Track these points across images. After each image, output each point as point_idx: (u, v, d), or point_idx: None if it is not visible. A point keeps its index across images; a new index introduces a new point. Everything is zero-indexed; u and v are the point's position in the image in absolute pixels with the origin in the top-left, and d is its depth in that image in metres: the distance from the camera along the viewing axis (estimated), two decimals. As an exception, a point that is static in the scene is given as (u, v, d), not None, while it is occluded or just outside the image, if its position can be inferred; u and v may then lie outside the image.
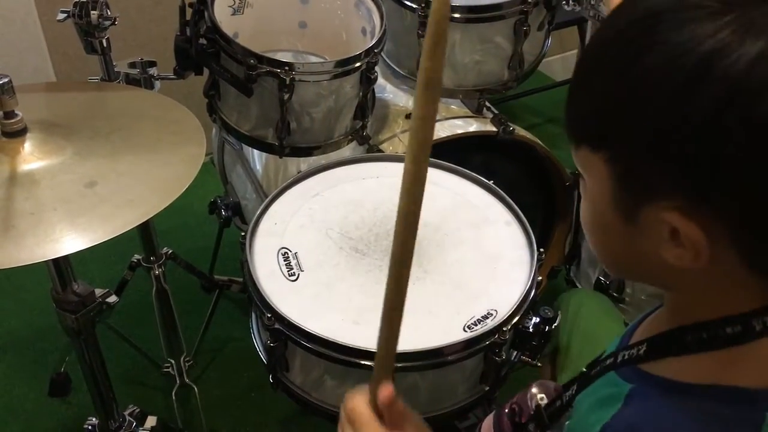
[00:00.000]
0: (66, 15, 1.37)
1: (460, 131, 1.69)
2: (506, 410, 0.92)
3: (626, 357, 0.69)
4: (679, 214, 0.55)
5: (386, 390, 0.71)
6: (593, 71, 0.59)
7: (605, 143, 0.59)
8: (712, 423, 0.60)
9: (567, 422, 0.87)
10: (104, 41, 1.41)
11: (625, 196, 0.59)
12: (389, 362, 0.73)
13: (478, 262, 1.25)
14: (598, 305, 1.40)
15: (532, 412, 0.87)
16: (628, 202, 0.59)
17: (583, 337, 1.28)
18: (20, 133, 1.09)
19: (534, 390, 0.90)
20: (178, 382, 1.78)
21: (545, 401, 0.88)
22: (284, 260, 1.23)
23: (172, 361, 1.82)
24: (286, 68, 1.41)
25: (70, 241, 0.99)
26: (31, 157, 1.08)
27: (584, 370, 0.76)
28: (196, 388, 1.77)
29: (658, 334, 0.67)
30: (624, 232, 0.61)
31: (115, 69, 1.49)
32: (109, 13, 1.38)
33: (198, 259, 1.99)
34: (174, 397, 1.75)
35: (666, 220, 0.56)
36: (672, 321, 0.67)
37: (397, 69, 1.76)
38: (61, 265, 1.16)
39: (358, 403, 0.75)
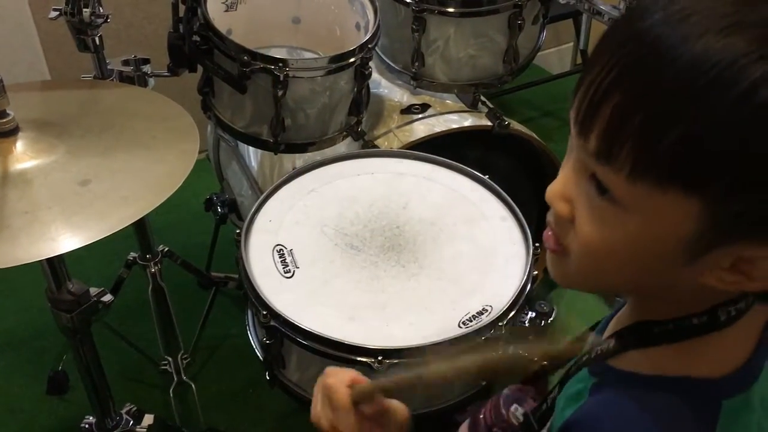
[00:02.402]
0: (58, 13, 1.36)
1: (455, 126, 1.69)
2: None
3: (599, 352, 0.68)
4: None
5: (381, 402, 0.75)
6: (694, 103, 0.51)
7: (710, 186, 0.52)
8: (668, 413, 0.61)
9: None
10: (97, 39, 1.40)
11: (708, 237, 0.54)
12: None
13: (474, 258, 1.25)
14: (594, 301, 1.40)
15: (519, 425, 0.86)
16: (707, 242, 0.55)
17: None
18: (12, 133, 1.08)
19: (507, 410, 0.90)
20: (175, 379, 1.78)
21: (520, 410, 0.89)
22: (279, 257, 1.23)
23: (170, 359, 1.82)
24: (280, 64, 1.40)
25: (65, 240, 0.99)
26: (23, 156, 1.08)
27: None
28: (193, 386, 1.77)
29: (625, 327, 0.67)
30: (671, 264, 0.57)
31: (109, 67, 1.48)
32: (101, 11, 1.37)
33: (194, 256, 1.98)
34: (171, 395, 1.75)
35: (747, 257, 0.55)
36: (638, 315, 0.67)
37: (392, 64, 1.76)
38: (56, 264, 1.16)
39: (338, 384, 0.77)
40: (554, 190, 0.62)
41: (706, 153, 0.51)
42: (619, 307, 0.76)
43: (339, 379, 0.81)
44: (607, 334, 0.73)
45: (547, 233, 0.65)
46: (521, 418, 0.85)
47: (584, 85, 0.56)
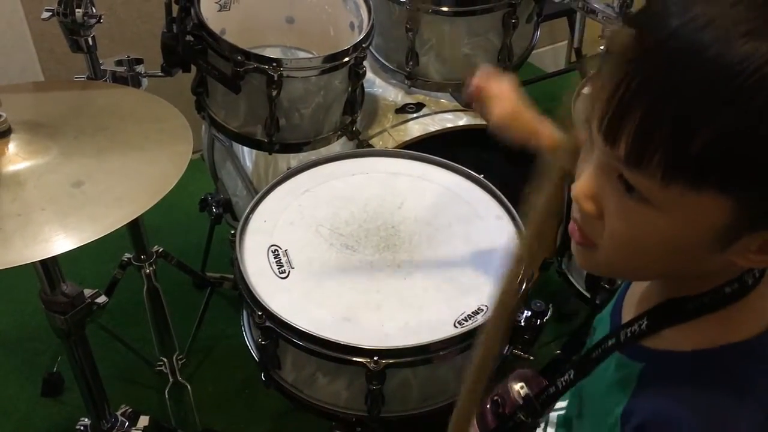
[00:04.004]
0: (51, 13, 1.36)
1: (450, 125, 1.69)
2: (488, 404, 0.92)
3: (628, 335, 0.69)
4: None
5: None
6: (725, 104, 0.52)
7: (743, 182, 0.54)
8: (731, 386, 0.62)
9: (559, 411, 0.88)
10: (90, 39, 1.40)
11: (738, 228, 0.56)
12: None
13: (469, 257, 1.25)
14: None
15: (518, 403, 0.86)
16: (737, 232, 0.57)
17: None
18: (4, 134, 1.07)
19: (514, 383, 0.91)
20: (171, 380, 1.78)
21: (525, 390, 0.89)
22: (274, 258, 1.23)
23: (165, 360, 1.81)
24: (274, 64, 1.40)
25: (59, 242, 0.98)
26: (16, 158, 1.07)
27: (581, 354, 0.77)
28: (189, 386, 1.77)
29: (657, 306, 0.68)
30: (701, 252, 0.59)
31: (102, 67, 1.48)
32: (94, 11, 1.37)
33: (189, 256, 1.98)
34: (167, 396, 1.75)
35: None
36: (668, 293, 0.67)
37: (386, 63, 1.76)
38: (49, 266, 1.15)
39: None
40: (581, 190, 0.63)
41: (739, 153, 0.52)
42: (624, 288, 0.76)
43: None
44: (628, 315, 0.73)
45: (573, 227, 0.66)
46: (521, 401, 0.86)
47: (606, 94, 0.56)
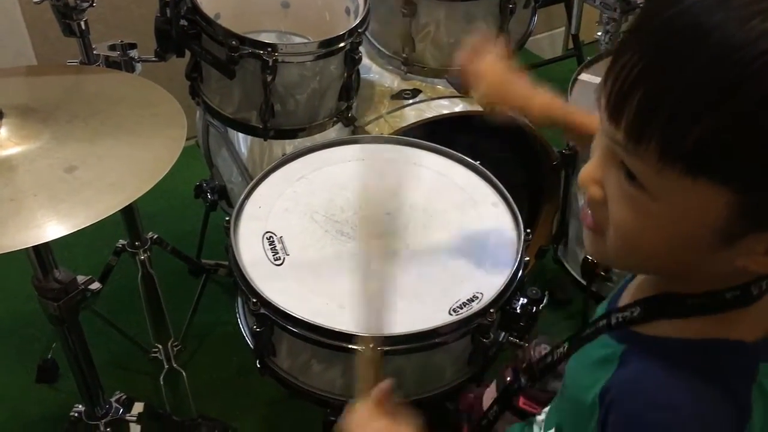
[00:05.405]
0: (43, -3, 1.34)
1: (445, 111, 1.68)
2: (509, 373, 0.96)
3: (620, 319, 0.69)
4: None
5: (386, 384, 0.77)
6: (727, 92, 0.50)
7: (742, 176, 0.52)
8: (709, 374, 0.61)
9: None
10: (82, 23, 1.39)
11: (740, 225, 0.55)
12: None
13: (465, 244, 1.24)
14: None
15: (524, 366, 0.89)
16: (740, 229, 0.55)
17: None
18: (-5, 119, 1.06)
19: (540, 345, 0.95)
20: (166, 367, 1.78)
21: (547, 349, 0.92)
22: (269, 244, 1.22)
23: (160, 346, 1.81)
24: (269, 49, 1.39)
25: (52, 227, 0.97)
26: (7, 142, 1.06)
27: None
28: (184, 373, 1.76)
29: (653, 297, 0.68)
30: (703, 248, 0.58)
31: (95, 52, 1.46)
32: (87, -5, 1.35)
33: (185, 243, 1.97)
34: (162, 382, 1.74)
35: None
36: (666, 286, 0.67)
37: (382, 49, 1.74)
38: (42, 252, 1.14)
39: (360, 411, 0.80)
40: (586, 174, 0.63)
41: (737, 143, 0.50)
42: (630, 278, 0.76)
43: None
44: (625, 301, 0.73)
45: (585, 211, 0.66)
46: (537, 356, 0.89)
47: (614, 72, 0.55)
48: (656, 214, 0.57)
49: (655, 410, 0.61)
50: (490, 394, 1.13)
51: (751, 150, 0.51)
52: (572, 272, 1.79)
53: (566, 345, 0.78)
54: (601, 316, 0.73)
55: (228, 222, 1.24)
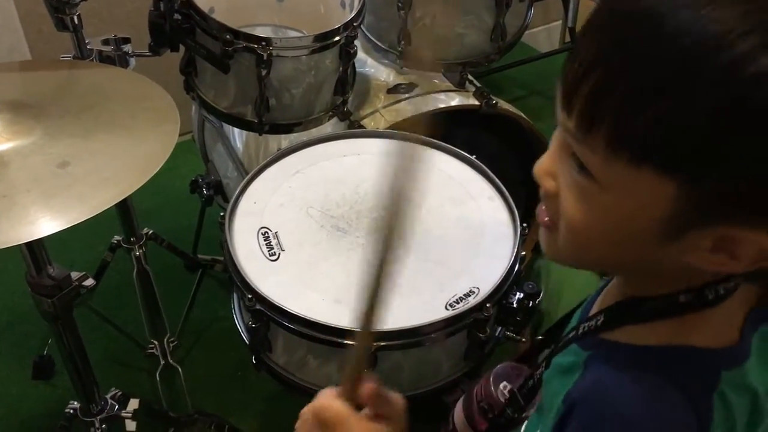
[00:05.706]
0: (36, -9, 1.33)
1: (442, 105, 1.67)
2: (476, 412, 0.92)
3: (586, 329, 0.69)
4: (754, 233, 0.53)
5: (369, 384, 0.71)
6: (675, 78, 0.49)
7: (686, 166, 0.51)
8: (669, 380, 0.61)
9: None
10: (75, 18, 1.37)
11: (685, 218, 0.54)
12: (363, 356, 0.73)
13: (461, 239, 1.24)
14: (583, 278, 1.40)
15: (505, 402, 0.87)
16: (684, 222, 0.54)
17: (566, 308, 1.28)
18: (-12, 114, 1.06)
19: (496, 386, 0.91)
20: (162, 362, 1.78)
21: (508, 387, 0.89)
22: (264, 240, 1.22)
23: (156, 342, 1.81)
24: (264, 43, 1.38)
25: (45, 223, 0.97)
26: (0, 138, 1.05)
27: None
28: (180, 369, 1.76)
29: (615, 304, 0.68)
30: (650, 242, 0.57)
31: (89, 46, 1.45)
32: (79, -11, 1.34)
33: (180, 238, 1.97)
34: (158, 378, 1.74)
35: (729, 238, 0.54)
36: (627, 291, 0.67)
37: (378, 43, 1.73)
38: (35, 248, 1.13)
39: (329, 402, 0.72)
40: (541, 167, 0.63)
41: (680, 131, 0.50)
42: (605, 283, 0.76)
43: (325, 397, 0.74)
44: (595, 309, 0.73)
45: (541, 207, 0.66)
46: (507, 395, 0.86)
47: (569, 62, 0.56)
48: (604, 205, 0.57)
49: (610, 421, 0.60)
50: (458, 412, 1.12)
51: (693, 138, 0.50)
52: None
53: (543, 364, 0.77)
54: (572, 328, 0.73)
55: (223, 218, 1.23)
